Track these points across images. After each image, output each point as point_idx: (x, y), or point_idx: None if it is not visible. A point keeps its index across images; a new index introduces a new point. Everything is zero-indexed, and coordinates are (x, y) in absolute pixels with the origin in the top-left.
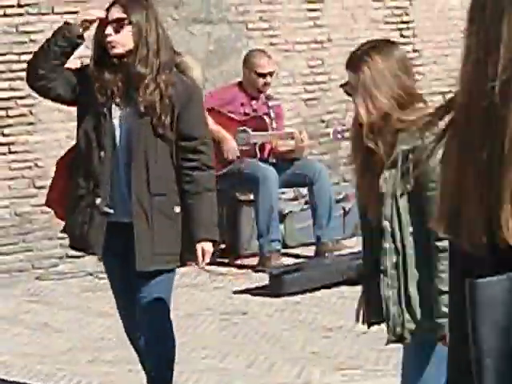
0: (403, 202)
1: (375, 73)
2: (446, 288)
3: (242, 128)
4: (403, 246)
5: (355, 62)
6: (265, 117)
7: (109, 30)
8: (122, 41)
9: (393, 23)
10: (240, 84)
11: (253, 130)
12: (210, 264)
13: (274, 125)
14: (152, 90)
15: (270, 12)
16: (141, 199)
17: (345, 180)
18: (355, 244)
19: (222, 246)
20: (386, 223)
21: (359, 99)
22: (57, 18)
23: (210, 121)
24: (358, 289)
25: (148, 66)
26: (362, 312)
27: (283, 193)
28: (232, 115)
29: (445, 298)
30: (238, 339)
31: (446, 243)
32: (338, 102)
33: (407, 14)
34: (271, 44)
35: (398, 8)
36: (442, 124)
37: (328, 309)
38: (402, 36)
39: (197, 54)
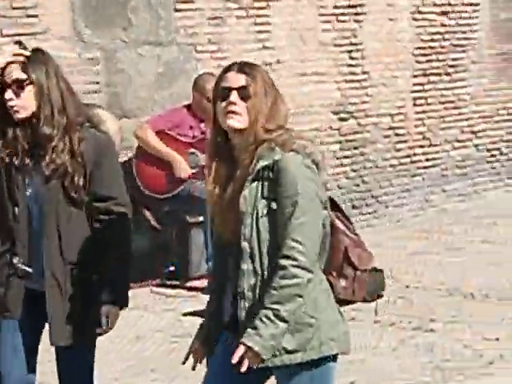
0: (264, 222)
1: (265, 83)
2: (269, 305)
3: (191, 151)
4: (262, 268)
5: (248, 69)
6: None
7: (9, 93)
8: (25, 104)
9: (342, 45)
10: (189, 107)
11: (202, 153)
12: (159, 286)
13: None
14: (60, 150)
15: (219, 34)
16: (53, 268)
17: None
18: None
19: (172, 268)
20: (245, 244)
21: (249, 105)
22: (6, 41)
23: (160, 142)
24: None
25: (54, 126)
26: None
27: None
28: (181, 138)
29: (264, 313)
30: (186, 362)
31: (287, 262)
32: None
33: (356, 36)
34: (220, 66)
35: (346, 30)
36: (304, 143)
37: None
38: (351, 58)
39: (146, 75)
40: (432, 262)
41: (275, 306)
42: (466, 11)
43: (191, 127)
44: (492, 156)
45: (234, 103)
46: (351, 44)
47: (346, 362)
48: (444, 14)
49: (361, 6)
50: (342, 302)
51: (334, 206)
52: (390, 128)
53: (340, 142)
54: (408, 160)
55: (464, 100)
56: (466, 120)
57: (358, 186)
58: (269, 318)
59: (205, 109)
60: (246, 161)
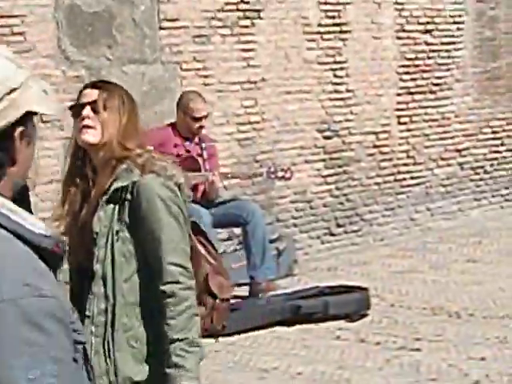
0: (119, 245)
1: (121, 99)
2: (177, 336)
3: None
4: (114, 293)
5: (102, 84)
6: (198, 158)
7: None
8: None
9: (326, 63)
10: (173, 125)
11: (186, 171)
12: None
13: (207, 166)
14: None
15: (204, 52)
16: None
17: (278, 220)
18: (289, 284)
19: None
20: (97, 266)
21: (102, 118)
22: None
23: None
24: (293, 329)
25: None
26: None
27: (218, 233)
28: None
29: (177, 347)
30: None
31: (174, 287)
32: (271, 142)
33: (340, 55)
34: (205, 84)
35: (331, 48)
36: (165, 164)
37: (263, 350)
38: (335, 76)
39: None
40: (417, 281)
41: (184, 336)
42: (450, 29)
43: (176, 145)
44: (476, 174)
45: (87, 117)
46: (335, 62)
47: (332, 381)
48: (428, 32)
49: (345, 24)
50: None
51: (197, 229)
52: (375, 146)
53: (324, 160)
54: (392, 178)
55: (448, 118)
56: (451, 138)
57: (342, 204)
58: (184, 350)
59: (189, 127)
60: (102, 181)
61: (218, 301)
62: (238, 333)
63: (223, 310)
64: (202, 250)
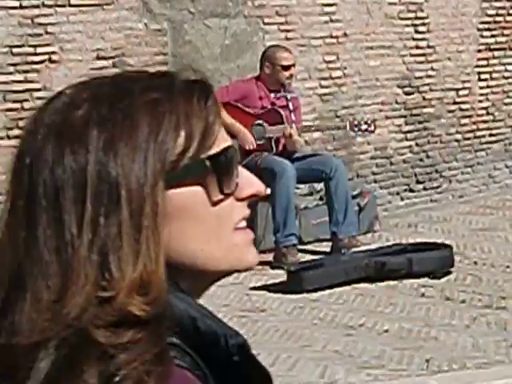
0: None
1: None
2: None
3: (257, 122)
4: None
5: None
6: (281, 110)
7: None
8: None
9: (407, 19)
10: (257, 78)
11: (269, 125)
12: None
13: (293, 117)
14: None
15: (286, 7)
16: None
17: (358, 175)
18: (370, 241)
19: None
20: None
21: None
22: (73, 11)
23: (225, 114)
24: (377, 286)
25: None
26: None
27: (298, 188)
28: (248, 109)
29: None
30: (258, 337)
31: None
32: (353, 97)
33: (422, 10)
34: (287, 38)
35: (412, 4)
36: None
37: (347, 306)
38: (416, 32)
39: (213, 47)
40: (498, 239)
41: None
42: None
43: (260, 98)
44: None
45: None
46: (417, 18)
47: (419, 339)
48: None
49: None
50: None
51: None
52: (455, 102)
53: (405, 116)
54: (472, 135)
55: None
56: None
57: (422, 160)
58: None
59: (278, 78)
60: None
61: None
62: (322, 289)
63: None
64: None
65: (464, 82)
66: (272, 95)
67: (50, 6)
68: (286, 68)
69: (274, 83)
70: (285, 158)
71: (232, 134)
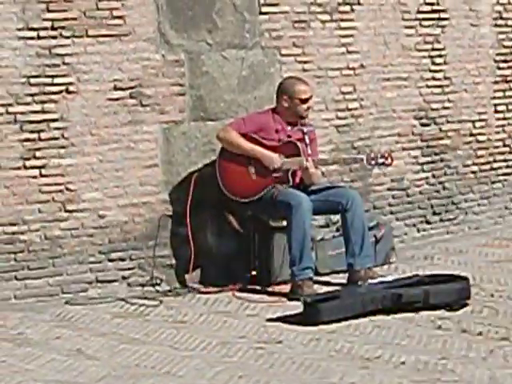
0: None
1: None
2: None
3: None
4: None
5: None
6: (298, 143)
7: None
8: None
9: (424, 50)
10: (273, 110)
11: (286, 157)
12: (241, 291)
13: (309, 151)
14: None
15: (303, 38)
16: None
17: (375, 207)
18: (386, 272)
19: (253, 272)
20: None
21: None
22: (91, 41)
23: (244, 140)
24: (393, 318)
25: None
26: None
27: (314, 219)
28: (265, 141)
29: None
30: (274, 369)
31: None
32: (369, 129)
33: (439, 42)
34: (304, 70)
35: (429, 35)
36: None
37: (364, 338)
38: (433, 63)
39: (230, 78)
40: None
41: None
42: None
43: (277, 131)
44: None
45: None
46: (433, 49)
47: (436, 371)
48: None
49: (444, 11)
50: None
51: None
52: (471, 134)
53: (421, 148)
54: (488, 167)
55: None
56: None
57: (438, 192)
58: None
59: (296, 111)
60: None
61: None
62: (338, 321)
63: None
64: None
65: (480, 113)
66: (289, 128)
67: (67, 37)
68: (305, 101)
69: (291, 116)
70: (301, 190)
71: (256, 158)
